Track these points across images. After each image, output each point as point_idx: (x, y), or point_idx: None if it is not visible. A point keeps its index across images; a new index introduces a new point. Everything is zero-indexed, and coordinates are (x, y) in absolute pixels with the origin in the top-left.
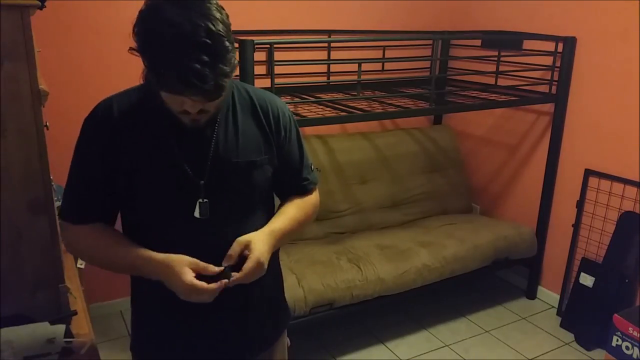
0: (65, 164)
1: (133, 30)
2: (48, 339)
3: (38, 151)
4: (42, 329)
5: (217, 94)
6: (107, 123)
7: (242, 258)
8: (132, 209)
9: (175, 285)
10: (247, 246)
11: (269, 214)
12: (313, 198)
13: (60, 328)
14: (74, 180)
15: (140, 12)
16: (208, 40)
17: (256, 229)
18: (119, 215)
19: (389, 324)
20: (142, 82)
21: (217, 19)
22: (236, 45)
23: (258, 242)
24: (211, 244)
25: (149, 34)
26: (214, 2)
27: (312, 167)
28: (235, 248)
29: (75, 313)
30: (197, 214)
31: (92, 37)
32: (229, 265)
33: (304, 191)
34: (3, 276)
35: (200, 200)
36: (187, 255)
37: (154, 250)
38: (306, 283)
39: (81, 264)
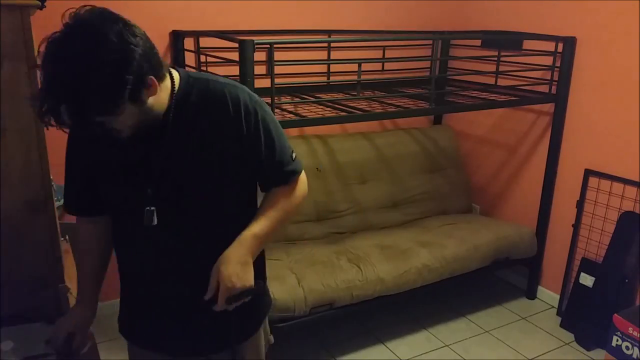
0: None
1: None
2: (46, 339)
3: (38, 151)
4: (41, 329)
5: (84, 128)
6: None
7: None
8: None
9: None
10: (218, 275)
11: (241, 218)
12: (291, 190)
13: None
14: (65, 174)
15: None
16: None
17: (219, 235)
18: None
19: (389, 324)
20: None
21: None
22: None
23: (224, 268)
24: (165, 250)
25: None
26: (105, 31)
27: (294, 156)
28: (211, 281)
29: None
30: (146, 221)
31: None
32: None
33: (286, 182)
34: (3, 276)
35: (148, 208)
36: (138, 260)
37: (123, 252)
38: (306, 283)
39: None
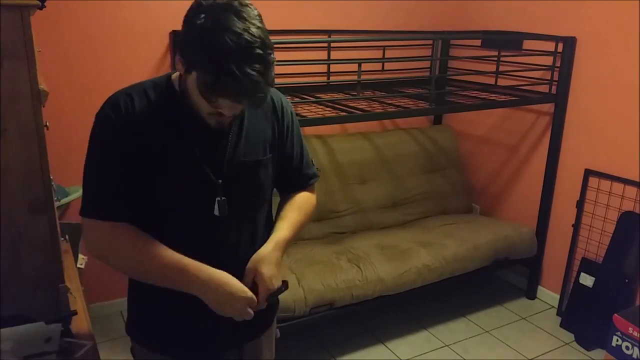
0: (65, 164)
1: (186, 37)
2: (45, 339)
3: (38, 151)
4: (39, 329)
5: (264, 102)
6: (128, 116)
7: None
8: (149, 207)
9: (220, 296)
10: (256, 275)
11: (270, 209)
12: (312, 197)
13: (57, 327)
14: (96, 174)
15: (198, 22)
16: (261, 52)
17: (262, 225)
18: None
19: (389, 324)
20: (169, 81)
21: (266, 31)
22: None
23: (266, 270)
24: (225, 241)
25: (212, 43)
26: (259, 13)
27: (313, 162)
28: (247, 281)
29: (75, 313)
30: (216, 212)
31: (91, 37)
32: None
33: (305, 186)
34: (3, 276)
35: (219, 198)
36: (201, 253)
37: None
38: (306, 283)
39: (81, 264)
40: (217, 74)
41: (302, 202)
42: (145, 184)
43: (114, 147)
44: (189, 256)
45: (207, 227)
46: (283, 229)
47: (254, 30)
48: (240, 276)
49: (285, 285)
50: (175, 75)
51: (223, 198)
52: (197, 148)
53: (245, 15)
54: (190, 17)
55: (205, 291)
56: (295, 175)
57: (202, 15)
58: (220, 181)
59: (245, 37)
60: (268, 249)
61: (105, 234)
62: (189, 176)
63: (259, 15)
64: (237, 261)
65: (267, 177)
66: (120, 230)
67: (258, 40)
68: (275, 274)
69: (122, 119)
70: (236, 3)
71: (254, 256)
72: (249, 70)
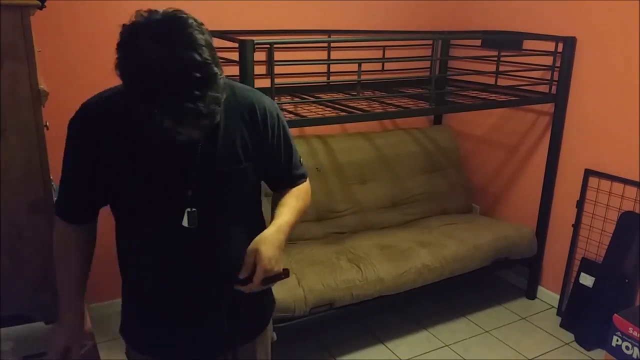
0: None
1: (116, 67)
2: (45, 339)
3: (38, 151)
4: (39, 329)
5: (211, 123)
6: (96, 122)
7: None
8: (116, 211)
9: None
10: (256, 256)
11: (257, 216)
12: (306, 186)
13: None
14: (62, 175)
15: (119, 49)
16: (197, 74)
17: (242, 239)
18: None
19: (389, 324)
20: None
21: (202, 44)
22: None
23: (265, 250)
24: (200, 251)
25: (134, 76)
26: (193, 22)
27: (301, 160)
28: (247, 261)
29: None
30: (185, 223)
31: (92, 37)
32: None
33: (295, 185)
34: (3, 276)
35: (189, 209)
36: (173, 264)
37: (142, 257)
38: (306, 283)
39: None
40: (145, 107)
41: (296, 190)
42: (112, 190)
43: (76, 151)
44: (149, 263)
45: (178, 238)
46: (284, 214)
47: (182, 51)
48: (218, 288)
49: (285, 273)
50: None
51: (193, 209)
52: (167, 157)
53: (172, 36)
54: (119, 44)
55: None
56: (284, 177)
57: (123, 44)
58: (189, 192)
59: (172, 64)
60: (270, 231)
61: (57, 232)
62: (158, 186)
63: (197, 27)
64: (214, 273)
65: (245, 186)
66: (70, 232)
67: (190, 61)
68: (275, 255)
69: (89, 125)
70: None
71: (256, 238)
72: (181, 102)
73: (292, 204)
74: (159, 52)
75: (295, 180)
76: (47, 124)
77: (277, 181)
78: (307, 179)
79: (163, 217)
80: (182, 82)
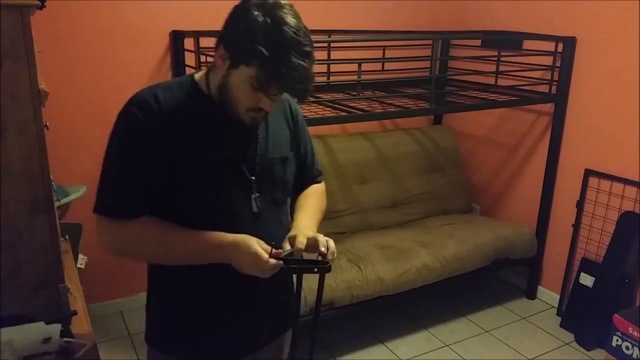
0: (66, 164)
1: (239, 32)
2: (44, 339)
3: (38, 151)
4: (38, 329)
5: (310, 93)
6: (155, 114)
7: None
8: (177, 204)
9: (242, 257)
10: (312, 237)
11: (288, 207)
12: (322, 187)
13: (56, 327)
14: (117, 172)
15: (253, 18)
16: (310, 47)
17: (287, 218)
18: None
19: (389, 324)
20: (193, 81)
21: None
22: None
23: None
24: (264, 237)
25: (273, 37)
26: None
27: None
28: (302, 240)
29: (75, 313)
30: (254, 209)
31: (92, 37)
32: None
33: (317, 181)
34: (3, 276)
35: (254, 195)
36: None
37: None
38: (306, 283)
39: (81, 264)
40: (278, 65)
41: (315, 192)
42: (177, 181)
43: (139, 146)
44: (213, 272)
45: (245, 224)
46: (306, 217)
47: (303, 27)
48: (267, 280)
49: (327, 267)
50: (199, 76)
51: (257, 194)
52: (232, 145)
53: (294, 13)
54: (241, 14)
55: (226, 253)
56: (309, 172)
57: (256, 12)
58: (253, 178)
59: (301, 32)
60: (303, 229)
61: (123, 231)
62: (226, 174)
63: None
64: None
65: (291, 173)
66: (138, 225)
67: (308, 37)
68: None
69: (149, 117)
70: (283, 2)
71: (299, 227)
72: (304, 63)
73: (314, 206)
74: (292, 21)
75: (316, 175)
76: (47, 124)
77: (303, 175)
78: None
79: (230, 205)
80: (306, 51)
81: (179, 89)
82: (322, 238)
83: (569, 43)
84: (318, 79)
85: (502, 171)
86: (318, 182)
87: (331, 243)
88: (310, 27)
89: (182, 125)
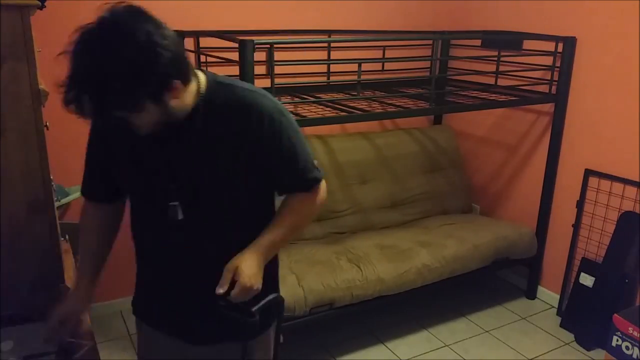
0: (65, 164)
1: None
2: (45, 339)
3: (38, 151)
4: (39, 329)
5: (106, 120)
6: None
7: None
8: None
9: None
10: (235, 272)
11: (259, 220)
12: (316, 197)
13: None
14: (86, 159)
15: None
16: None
17: (235, 240)
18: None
19: (389, 324)
20: None
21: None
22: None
23: (246, 267)
24: (185, 247)
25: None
26: (133, 28)
27: (315, 163)
28: (226, 276)
29: None
30: (179, 216)
31: None
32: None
33: (308, 189)
34: (3, 276)
35: (171, 203)
36: (159, 255)
37: (142, 242)
38: (306, 283)
39: None
40: None
41: (298, 203)
42: (119, 177)
43: (92, 135)
44: (148, 249)
45: (165, 229)
46: (270, 231)
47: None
48: (209, 283)
49: (278, 299)
50: None
51: (175, 203)
52: (155, 153)
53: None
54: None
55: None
56: (293, 181)
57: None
58: (173, 186)
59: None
60: (250, 251)
61: (82, 208)
62: (145, 178)
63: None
64: (196, 266)
65: (230, 186)
66: (91, 208)
67: (86, 63)
68: (255, 274)
69: None
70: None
71: (236, 256)
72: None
73: (286, 220)
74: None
75: (300, 186)
76: (47, 124)
77: (280, 186)
78: (323, 184)
79: (151, 206)
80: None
81: None
82: (239, 278)
83: (569, 43)
84: (318, 79)
85: (502, 171)
86: (307, 190)
87: (239, 287)
88: (310, 27)
89: (124, 126)
